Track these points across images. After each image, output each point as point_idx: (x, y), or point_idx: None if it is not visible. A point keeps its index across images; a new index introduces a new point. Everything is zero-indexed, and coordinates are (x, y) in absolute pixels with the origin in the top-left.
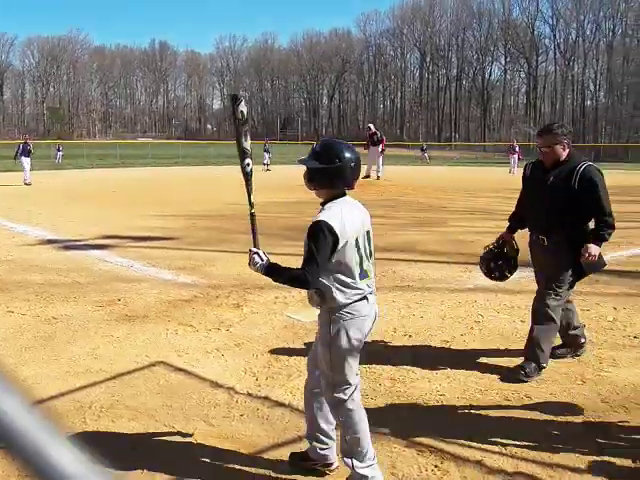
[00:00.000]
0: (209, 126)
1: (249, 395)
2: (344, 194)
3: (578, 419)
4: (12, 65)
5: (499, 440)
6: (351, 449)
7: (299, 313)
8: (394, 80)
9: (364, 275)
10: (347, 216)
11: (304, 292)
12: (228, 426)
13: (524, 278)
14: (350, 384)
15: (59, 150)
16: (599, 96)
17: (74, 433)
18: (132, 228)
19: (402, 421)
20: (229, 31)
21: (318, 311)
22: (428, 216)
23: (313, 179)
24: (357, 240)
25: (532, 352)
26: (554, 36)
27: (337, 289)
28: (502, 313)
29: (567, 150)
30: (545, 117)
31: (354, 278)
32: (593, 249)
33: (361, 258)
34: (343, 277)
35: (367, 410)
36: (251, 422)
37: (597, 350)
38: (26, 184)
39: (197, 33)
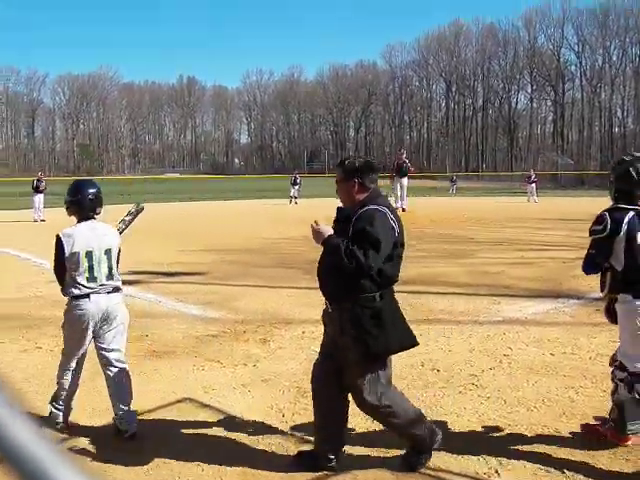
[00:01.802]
0: (236, 160)
1: (275, 431)
2: (88, 218)
3: (609, 454)
4: (43, 102)
5: (528, 477)
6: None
7: None
8: (420, 111)
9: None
10: (78, 234)
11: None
12: (253, 462)
13: (553, 310)
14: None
15: None
16: (627, 122)
17: (99, 469)
18: (160, 263)
19: (429, 458)
20: (256, 65)
21: None
22: (454, 247)
23: (66, 209)
24: (88, 252)
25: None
26: (580, 63)
27: None
28: (531, 346)
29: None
30: (573, 145)
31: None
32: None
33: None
34: None
35: (392, 447)
36: (277, 458)
37: None
38: (35, 221)
39: (224, 68)
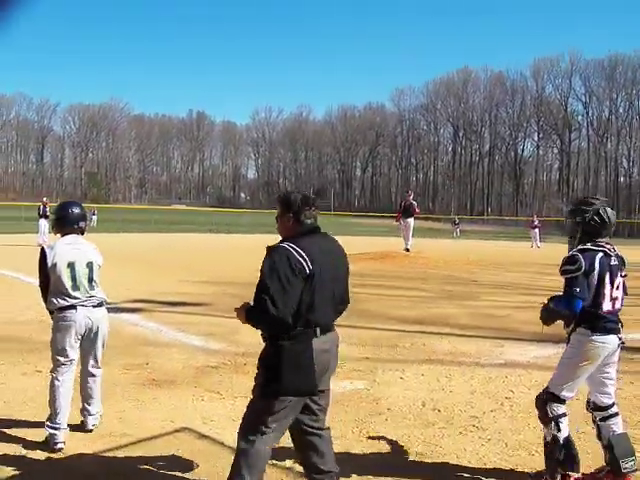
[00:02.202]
0: (243, 195)
1: (275, 465)
2: (71, 233)
3: None
4: (53, 130)
5: None
6: None
7: None
8: (427, 154)
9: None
10: (60, 246)
11: None
12: None
13: (555, 354)
14: None
15: (93, 214)
16: (632, 172)
17: None
18: (163, 293)
19: None
20: (265, 102)
21: (348, 382)
22: (458, 289)
23: (52, 227)
24: (70, 263)
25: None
26: (587, 113)
27: None
28: (533, 390)
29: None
30: (578, 193)
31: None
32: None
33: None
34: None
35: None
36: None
37: (630, 430)
38: (39, 245)
39: (234, 104)
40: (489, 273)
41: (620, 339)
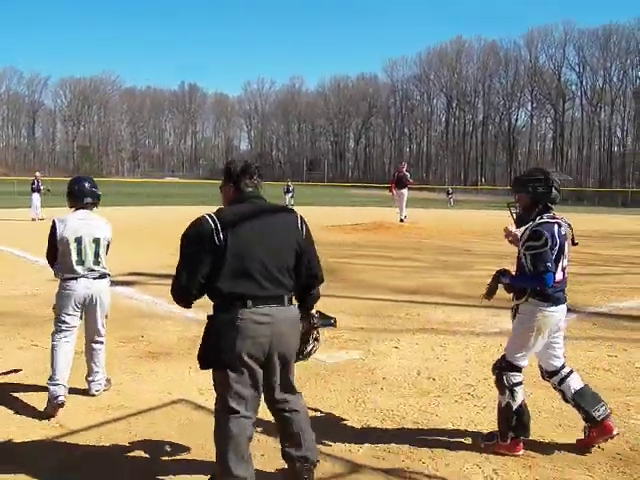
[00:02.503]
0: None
1: (270, 434)
2: (82, 208)
3: (606, 468)
4: (44, 104)
5: None
6: None
7: (323, 353)
8: (420, 125)
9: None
10: (70, 220)
11: (327, 333)
12: None
13: None
14: None
15: None
16: (626, 142)
17: (95, 470)
18: (158, 266)
19: (425, 465)
20: (257, 74)
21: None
22: (453, 259)
23: (67, 201)
24: (77, 238)
25: None
26: (581, 83)
27: None
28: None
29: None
30: (572, 163)
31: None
32: None
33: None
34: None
35: (390, 453)
36: (272, 461)
37: (625, 397)
38: (32, 219)
39: (226, 75)
40: (483, 243)
41: (567, 306)
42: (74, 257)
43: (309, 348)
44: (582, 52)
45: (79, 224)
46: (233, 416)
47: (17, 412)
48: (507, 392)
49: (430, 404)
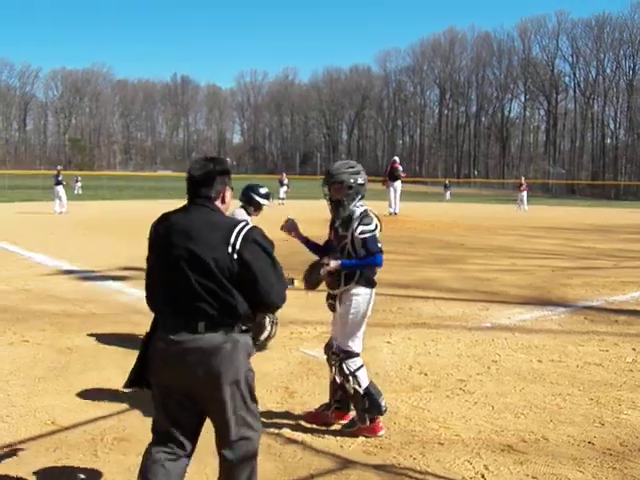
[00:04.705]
0: (228, 160)
1: (262, 431)
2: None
3: (596, 463)
4: (36, 97)
5: None
6: None
7: (314, 349)
8: (413, 116)
9: None
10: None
11: (320, 328)
12: None
13: (541, 317)
14: None
15: (77, 181)
16: (619, 134)
17: (85, 466)
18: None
19: (416, 461)
20: (250, 66)
21: None
22: (446, 253)
23: None
24: None
25: None
26: (574, 74)
27: None
28: (519, 352)
29: None
30: (565, 155)
31: None
32: None
33: None
34: None
35: (381, 449)
36: (263, 459)
37: (616, 392)
38: (60, 213)
39: (218, 68)
40: (476, 236)
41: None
42: None
43: (266, 334)
44: (575, 43)
45: None
46: (152, 445)
47: (5, 409)
48: (351, 379)
49: (422, 399)
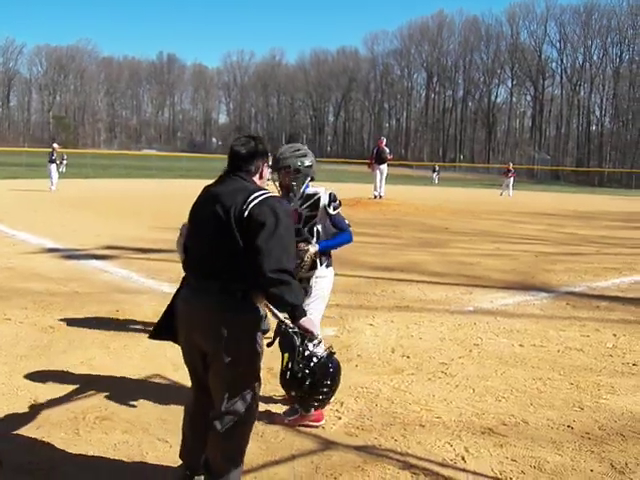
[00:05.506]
0: (214, 140)
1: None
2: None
3: (575, 447)
4: (19, 73)
5: (493, 465)
6: None
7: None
8: (400, 100)
9: None
10: None
11: None
12: None
13: (524, 302)
14: None
15: (63, 159)
16: (604, 121)
17: (67, 445)
18: (134, 239)
19: (397, 443)
20: (237, 46)
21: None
22: (430, 237)
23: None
24: None
25: None
26: (561, 60)
27: None
28: (501, 337)
29: None
30: (550, 141)
31: None
32: None
33: None
34: None
35: (363, 430)
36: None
37: (596, 377)
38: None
39: (205, 47)
40: (461, 221)
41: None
42: None
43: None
44: (563, 29)
45: None
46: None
47: None
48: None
49: (404, 382)
